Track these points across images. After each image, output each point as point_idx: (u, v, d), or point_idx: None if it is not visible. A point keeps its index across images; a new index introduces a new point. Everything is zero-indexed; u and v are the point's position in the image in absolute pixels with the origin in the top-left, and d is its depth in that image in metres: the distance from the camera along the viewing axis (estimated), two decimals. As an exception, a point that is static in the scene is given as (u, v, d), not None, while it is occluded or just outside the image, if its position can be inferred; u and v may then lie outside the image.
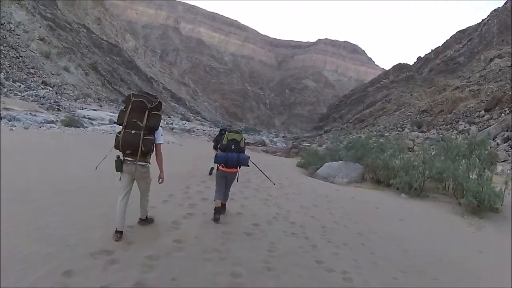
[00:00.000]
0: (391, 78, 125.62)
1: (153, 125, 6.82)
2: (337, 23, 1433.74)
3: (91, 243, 6.42)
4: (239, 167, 9.56)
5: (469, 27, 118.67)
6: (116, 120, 7.58)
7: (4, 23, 73.68)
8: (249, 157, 9.52)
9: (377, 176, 21.18)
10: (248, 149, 41.92)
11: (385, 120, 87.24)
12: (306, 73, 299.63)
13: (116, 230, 6.89)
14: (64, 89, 73.10)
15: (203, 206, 10.29)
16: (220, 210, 9.27)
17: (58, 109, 50.35)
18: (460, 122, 52.12)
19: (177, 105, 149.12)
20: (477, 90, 64.74)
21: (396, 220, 12.42)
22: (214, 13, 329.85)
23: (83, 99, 72.79)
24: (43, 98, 57.04)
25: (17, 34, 75.12)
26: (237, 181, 9.81)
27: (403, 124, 71.07)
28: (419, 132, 55.56)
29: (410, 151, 31.23)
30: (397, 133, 59.74)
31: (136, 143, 6.67)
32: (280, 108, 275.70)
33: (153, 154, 7.20)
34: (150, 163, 7.15)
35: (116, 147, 6.83)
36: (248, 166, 9.57)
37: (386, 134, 60.09)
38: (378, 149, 23.80)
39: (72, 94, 72.15)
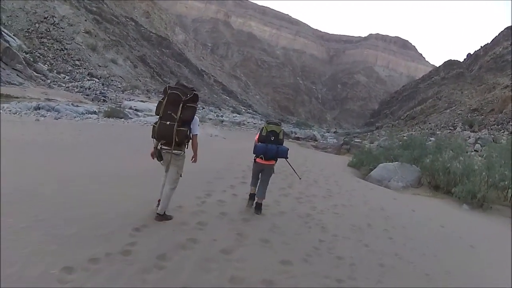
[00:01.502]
0: (442, 75, 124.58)
1: (187, 118, 7.03)
2: (387, 18, 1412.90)
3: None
4: (276, 160, 9.30)
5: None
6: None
7: (48, 16, 75.14)
8: (288, 149, 9.23)
9: (436, 181, 18.66)
10: (298, 144, 39.79)
11: (436, 118, 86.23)
12: (358, 68, 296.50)
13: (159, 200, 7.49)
14: (112, 80, 74.06)
15: (216, 227, 7.58)
16: (254, 197, 9.29)
17: (104, 100, 51.38)
18: (511, 123, 51.06)
19: (228, 98, 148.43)
20: (527, 89, 62.68)
21: (467, 248, 9.83)
22: (265, 7, 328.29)
23: (131, 90, 73.23)
24: (89, 89, 57.86)
25: (62, 28, 76.56)
26: (273, 172, 9.42)
27: (454, 123, 69.98)
28: (470, 132, 54.05)
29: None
30: (449, 132, 58.49)
31: (170, 134, 6.89)
32: (332, 103, 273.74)
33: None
34: (184, 152, 7.35)
35: (153, 136, 7.16)
36: (287, 158, 9.19)
37: (437, 133, 59.07)
38: (436, 149, 21.08)
39: (119, 86, 72.81)
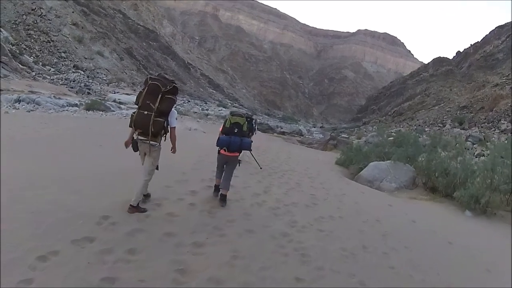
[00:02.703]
0: (430, 72, 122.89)
1: (164, 108, 6.96)
2: (376, 14, 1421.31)
3: None
4: (241, 152, 9.09)
5: (507, 23, 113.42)
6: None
7: (35, 8, 74.14)
8: (252, 141, 9.12)
9: (432, 182, 16.42)
10: (283, 139, 37.81)
11: (424, 114, 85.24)
12: (345, 64, 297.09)
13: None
14: (97, 73, 73.31)
15: (151, 258, 5.36)
16: (219, 188, 8.95)
17: (89, 93, 51.15)
18: (502, 121, 49.59)
19: (214, 92, 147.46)
20: (518, 88, 62.33)
21: (484, 273, 7.70)
22: (253, 1, 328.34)
23: (116, 83, 72.63)
24: (73, 81, 57.22)
25: (49, 19, 75.47)
26: (239, 165, 9.37)
27: (443, 120, 68.94)
28: (460, 129, 52.64)
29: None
30: (438, 129, 57.56)
31: (147, 123, 6.81)
32: (319, 97, 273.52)
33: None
34: (160, 144, 7.20)
35: (130, 125, 7.03)
36: (251, 150, 9.20)
37: (426, 130, 58.39)
38: (432, 147, 19.03)
39: (105, 78, 72.19)
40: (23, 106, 29.02)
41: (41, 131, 16.80)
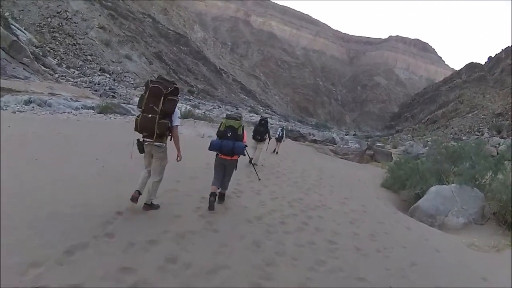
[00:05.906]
0: (463, 78, 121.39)
1: (168, 110, 7.07)
2: (407, 20, 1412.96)
3: None
4: (239, 156, 8.85)
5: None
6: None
7: (61, 11, 75.03)
8: (246, 146, 9.05)
9: (510, 215, 10.80)
10: (315, 148, 34.39)
11: (458, 122, 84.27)
12: (378, 70, 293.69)
13: (136, 190, 7.22)
14: (125, 76, 73.28)
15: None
16: (215, 195, 8.46)
17: (113, 96, 49.81)
18: None
19: (246, 98, 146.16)
20: (552, 94, 59.96)
21: None
22: (285, 6, 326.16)
23: (144, 87, 70.06)
24: (98, 84, 56.95)
25: (75, 22, 76.35)
26: (236, 169, 9.10)
27: (479, 128, 68.19)
28: (500, 138, 50.75)
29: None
30: (476, 138, 54.08)
31: (152, 126, 6.93)
32: (351, 104, 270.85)
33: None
34: (166, 144, 7.34)
35: (135, 129, 7.16)
36: (244, 155, 9.22)
37: (464, 138, 56.14)
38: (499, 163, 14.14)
39: (132, 82, 71.99)
40: (17, 107, 26.87)
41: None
